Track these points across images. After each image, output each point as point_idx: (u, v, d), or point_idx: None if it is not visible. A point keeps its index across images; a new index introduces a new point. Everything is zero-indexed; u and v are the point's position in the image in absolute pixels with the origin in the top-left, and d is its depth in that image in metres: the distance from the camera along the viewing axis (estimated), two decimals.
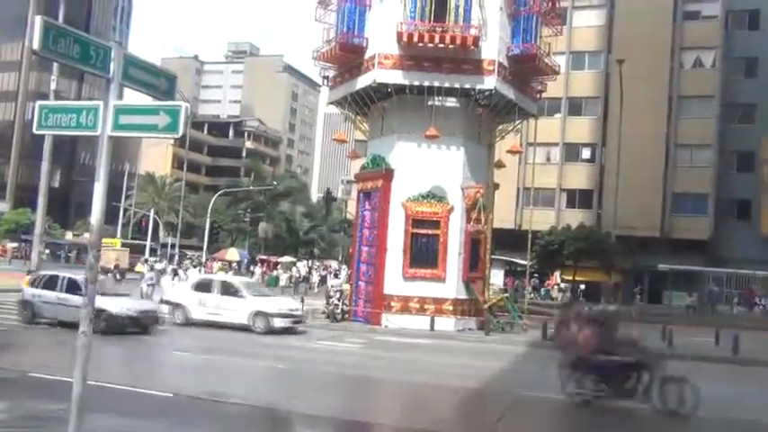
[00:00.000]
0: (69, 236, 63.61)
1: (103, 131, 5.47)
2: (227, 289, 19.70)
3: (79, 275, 19.52)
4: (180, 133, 5.37)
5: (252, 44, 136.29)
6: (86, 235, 49.82)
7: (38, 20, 4.78)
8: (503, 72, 21.64)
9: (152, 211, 62.83)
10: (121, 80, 5.52)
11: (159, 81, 5.96)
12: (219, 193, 56.57)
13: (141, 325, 16.92)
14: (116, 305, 16.46)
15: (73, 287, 16.55)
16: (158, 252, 54.00)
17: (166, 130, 5.38)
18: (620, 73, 29.93)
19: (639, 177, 39.65)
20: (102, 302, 15.74)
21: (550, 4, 24.14)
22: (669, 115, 43.57)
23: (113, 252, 41.33)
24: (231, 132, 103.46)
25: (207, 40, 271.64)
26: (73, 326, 15.08)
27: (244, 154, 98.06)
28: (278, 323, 18.80)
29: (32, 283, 17.97)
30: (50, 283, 17.33)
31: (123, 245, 51.33)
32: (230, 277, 26.37)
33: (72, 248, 59.66)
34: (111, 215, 44.30)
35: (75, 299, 15.67)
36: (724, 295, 37.76)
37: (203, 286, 20.27)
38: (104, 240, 52.56)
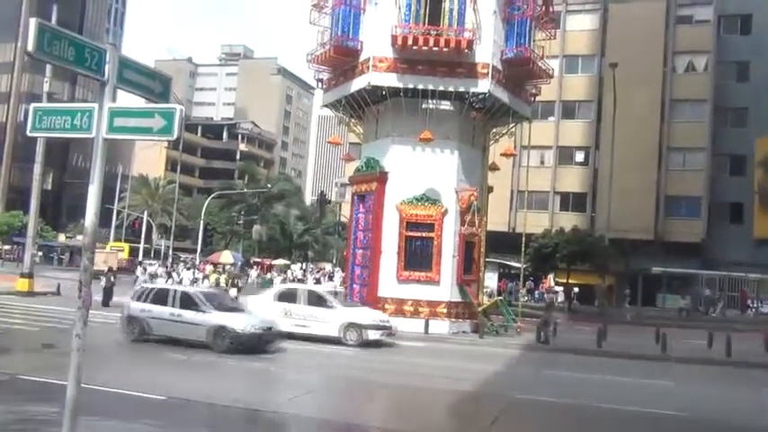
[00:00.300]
0: (62, 238, 63.36)
1: (98, 134, 5.46)
2: (315, 299, 18.35)
3: (192, 289, 18.61)
4: (175, 136, 5.37)
5: (246, 46, 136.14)
6: (79, 237, 49.83)
7: (32, 22, 4.76)
8: (497, 75, 21.70)
9: (145, 213, 62.62)
10: (116, 83, 5.51)
11: (154, 84, 5.95)
12: (213, 195, 56.46)
13: (263, 342, 15.26)
14: (239, 322, 15.06)
15: (187, 302, 15.35)
16: (152, 254, 53.89)
17: (161, 132, 5.37)
18: (614, 76, 30.00)
19: (633, 180, 39.78)
20: (223, 319, 14.94)
21: (544, 8, 24.22)
22: (662, 118, 43.79)
23: (102, 254, 41.20)
24: (225, 135, 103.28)
25: (201, 43, 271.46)
26: (189, 344, 14.68)
27: (237, 156, 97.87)
28: (371, 335, 17.66)
29: (138, 298, 16.43)
30: (160, 298, 15.84)
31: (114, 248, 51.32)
32: (317, 287, 25.60)
33: (65, 251, 59.47)
34: (104, 217, 44.24)
35: (191, 315, 14.93)
36: (717, 298, 37.90)
37: (288, 296, 18.73)
38: (111, 244, 52.94)
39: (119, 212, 61.74)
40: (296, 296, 18.64)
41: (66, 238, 62.93)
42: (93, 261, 5.62)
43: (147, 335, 15.74)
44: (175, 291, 16.34)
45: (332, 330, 17.66)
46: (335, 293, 21.80)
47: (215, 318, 15.00)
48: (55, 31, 4.97)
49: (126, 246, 53.41)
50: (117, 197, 60.32)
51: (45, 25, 4.85)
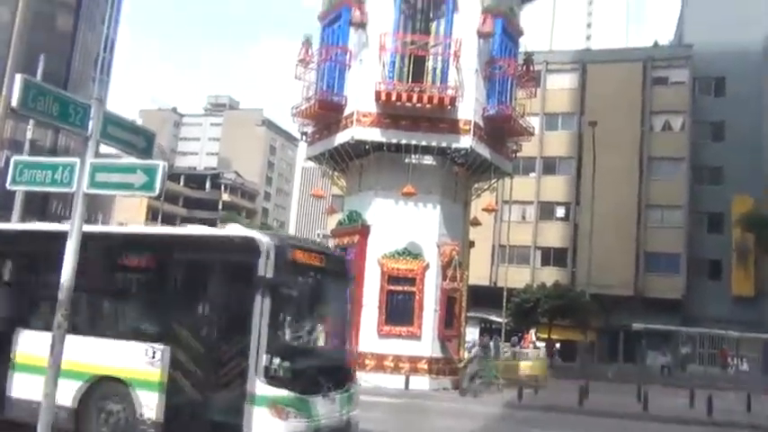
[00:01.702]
0: None
1: (79, 189, 5.44)
2: None
3: None
4: (157, 192, 5.35)
5: (231, 98, 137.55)
6: None
7: (18, 78, 4.79)
8: (478, 132, 22.05)
9: None
10: (100, 138, 5.52)
11: (138, 139, 5.98)
12: None
13: None
14: None
15: None
16: None
17: (143, 188, 5.37)
18: (593, 134, 30.65)
19: (613, 236, 40.19)
20: None
21: (525, 67, 24.84)
22: (641, 176, 44.60)
23: None
24: (208, 184, 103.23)
25: (187, 93, 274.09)
26: None
27: (220, 206, 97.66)
28: None
29: None
30: None
31: None
32: None
33: None
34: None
35: None
36: (697, 355, 37.89)
37: None
38: None
39: None
40: None
41: None
42: (68, 318, 5.50)
43: None
44: None
45: None
46: None
47: None
48: (40, 87, 5.00)
49: None
50: None
51: (31, 82, 4.88)
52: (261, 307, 7.79)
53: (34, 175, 5.71)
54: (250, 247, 8.11)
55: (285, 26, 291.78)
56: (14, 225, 12.95)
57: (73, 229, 5.55)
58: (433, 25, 22.41)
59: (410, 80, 21.30)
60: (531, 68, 25.73)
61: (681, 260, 43.48)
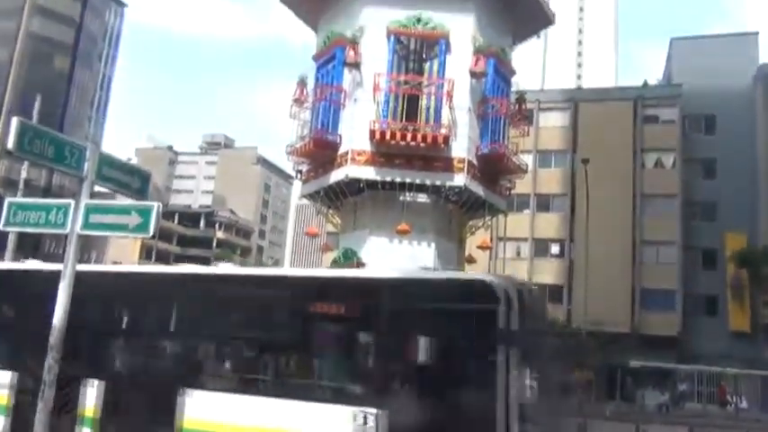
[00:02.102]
0: None
1: (72, 230, 5.43)
2: None
3: None
4: (151, 233, 5.35)
5: (227, 136, 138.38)
6: None
7: (14, 121, 4.82)
8: (472, 170, 22.18)
9: None
10: (95, 179, 5.54)
11: (133, 179, 6.00)
12: None
13: None
14: None
15: None
16: None
17: (137, 230, 5.37)
18: (585, 172, 30.94)
19: (608, 273, 40.16)
20: None
21: (517, 106, 25.16)
22: (634, 213, 44.78)
23: None
24: (202, 222, 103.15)
25: (183, 131, 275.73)
26: None
27: (214, 244, 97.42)
28: None
29: None
30: None
31: None
32: None
33: None
34: None
35: None
36: (696, 393, 37.56)
37: None
38: None
39: None
40: None
41: None
42: (59, 360, 5.43)
43: None
44: None
45: None
46: None
47: None
48: (37, 130, 5.03)
49: None
50: None
51: (27, 125, 4.91)
52: (506, 366, 6.55)
53: (27, 217, 5.71)
54: (484, 292, 6.94)
55: (281, 66, 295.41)
56: (177, 268, 10.98)
57: (66, 271, 5.52)
58: (427, 65, 22.73)
59: (404, 119, 21.49)
60: (524, 107, 26.04)
61: (677, 296, 43.39)
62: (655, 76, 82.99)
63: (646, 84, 54.69)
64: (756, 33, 49.32)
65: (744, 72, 45.36)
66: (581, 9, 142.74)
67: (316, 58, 24.48)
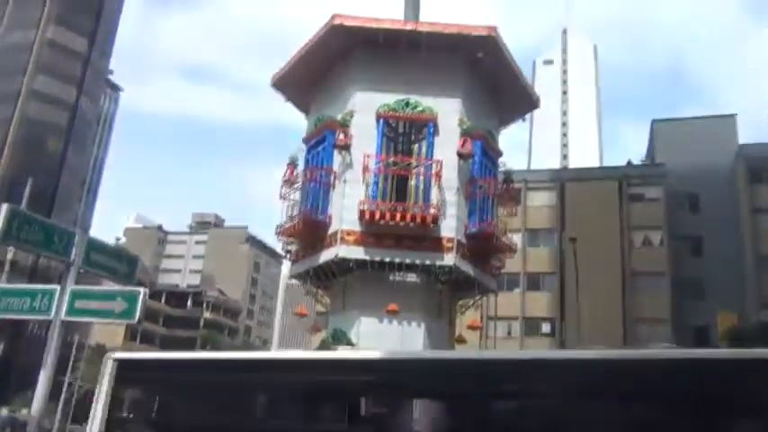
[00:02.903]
0: (4, 411, 59.31)
1: (56, 317, 5.35)
2: None
3: None
4: (136, 319, 5.28)
5: (217, 215, 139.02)
6: (24, 411, 46.82)
7: (3, 208, 4.83)
8: (461, 249, 22.21)
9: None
10: (82, 264, 5.51)
11: (120, 264, 5.96)
12: None
13: None
14: None
15: None
16: None
17: (123, 316, 5.30)
18: (574, 250, 31.13)
19: None
20: None
21: (504, 186, 25.48)
22: (623, 291, 44.79)
23: None
24: (190, 302, 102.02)
25: (174, 210, 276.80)
26: None
27: (201, 324, 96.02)
28: None
29: None
30: None
31: None
32: None
33: (5, 426, 55.36)
34: (54, 388, 41.83)
35: None
36: None
37: None
38: None
39: (69, 384, 58.65)
40: None
41: (10, 411, 58.95)
42: None
43: None
44: None
45: None
46: None
47: None
48: (26, 216, 5.03)
49: None
50: (70, 368, 57.66)
51: (16, 211, 4.92)
52: None
53: (11, 303, 5.61)
54: None
55: (272, 147, 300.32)
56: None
57: (47, 359, 5.40)
58: (415, 147, 23.12)
59: (393, 199, 21.69)
60: (511, 187, 26.39)
61: None
62: (637, 153, 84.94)
63: (630, 163, 55.96)
64: (734, 115, 51.01)
65: (724, 152, 46.55)
66: (564, 93, 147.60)
67: (306, 140, 24.89)
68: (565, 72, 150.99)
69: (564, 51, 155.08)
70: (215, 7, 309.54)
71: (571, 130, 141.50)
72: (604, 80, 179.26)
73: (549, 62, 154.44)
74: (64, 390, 56.53)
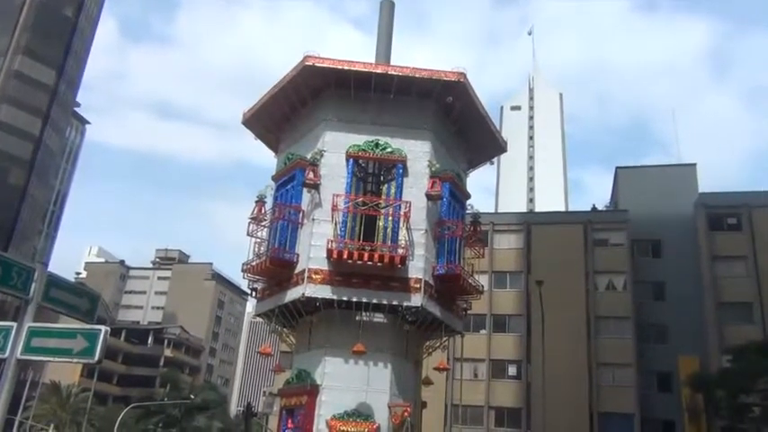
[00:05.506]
0: None
1: (11, 355, 5.15)
2: None
3: None
4: (96, 359, 5.11)
5: (182, 251, 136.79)
6: None
7: None
8: (429, 290, 22.19)
9: (51, 426, 57.52)
10: (41, 301, 5.34)
11: (81, 301, 5.79)
12: (131, 405, 52.75)
13: None
14: None
15: None
16: None
17: (82, 355, 5.12)
18: (540, 294, 31.35)
19: (565, 396, 39.74)
20: None
21: (472, 228, 25.68)
22: (588, 334, 45.11)
23: None
24: (150, 339, 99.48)
25: (138, 246, 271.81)
26: None
27: (162, 363, 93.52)
28: None
29: None
30: None
31: None
32: None
33: None
34: (5, 428, 40.09)
35: None
36: None
37: None
38: None
39: (21, 423, 56.41)
40: None
41: None
42: None
43: None
44: None
45: None
46: None
47: None
48: None
49: None
50: (22, 406, 55.54)
51: None
52: None
53: None
54: None
55: (239, 185, 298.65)
56: None
57: (1, 395, 5.18)
58: (384, 187, 23.23)
59: (361, 239, 21.65)
60: (479, 229, 26.60)
61: (634, 421, 42.95)
62: (601, 199, 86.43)
63: (594, 208, 56.94)
64: (694, 164, 52.47)
65: (685, 199, 47.73)
66: (531, 138, 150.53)
67: (275, 178, 24.85)
68: (531, 118, 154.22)
69: (531, 98, 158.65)
70: (187, 48, 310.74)
71: (537, 175, 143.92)
72: (570, 128, 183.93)
73: (516, 108, 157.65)
74: (15, 429, 54.33)
